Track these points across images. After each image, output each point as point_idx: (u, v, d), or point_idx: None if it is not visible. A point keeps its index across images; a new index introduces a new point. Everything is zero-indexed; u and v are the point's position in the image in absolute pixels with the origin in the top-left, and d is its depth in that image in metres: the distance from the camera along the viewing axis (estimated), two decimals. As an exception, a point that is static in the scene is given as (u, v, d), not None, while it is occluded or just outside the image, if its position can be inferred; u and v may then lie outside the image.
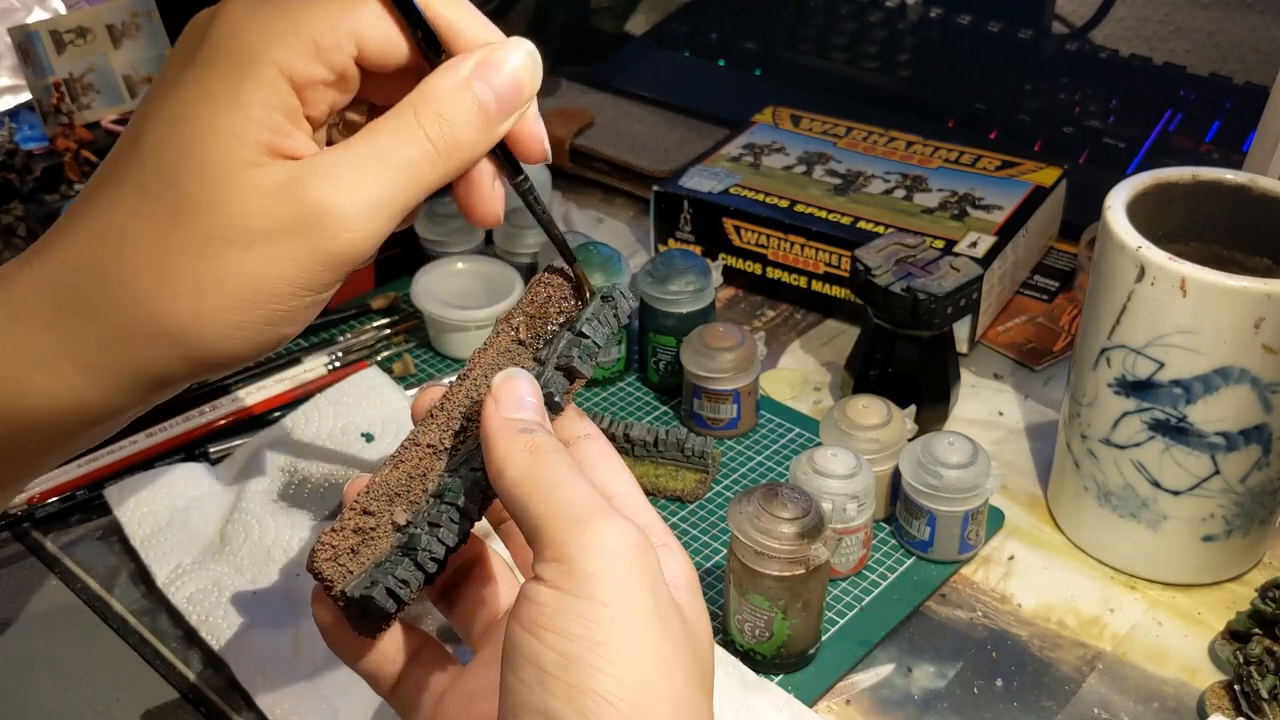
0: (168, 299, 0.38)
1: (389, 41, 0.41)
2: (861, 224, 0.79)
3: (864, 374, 0.71)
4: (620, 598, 0.35)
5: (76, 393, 0.40)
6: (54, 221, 0.42)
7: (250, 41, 0.39)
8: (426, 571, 0.40)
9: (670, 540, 0.41)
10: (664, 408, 0.74)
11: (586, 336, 0.43)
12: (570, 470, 0.38)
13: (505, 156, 0.42)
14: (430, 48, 0.41)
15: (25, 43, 0.89)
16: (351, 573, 0.40)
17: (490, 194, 0.43)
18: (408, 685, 0.44)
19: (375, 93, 0.43)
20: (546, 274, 0.45)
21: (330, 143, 0.42)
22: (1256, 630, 0.55)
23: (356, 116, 0.45)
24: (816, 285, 0.81)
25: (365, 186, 0.39)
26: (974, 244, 0.77)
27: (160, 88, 0.40)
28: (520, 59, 0.41)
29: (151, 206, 0.39)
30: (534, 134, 0.43)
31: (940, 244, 0.76)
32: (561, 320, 0.44)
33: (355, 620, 0.41)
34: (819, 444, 0.64)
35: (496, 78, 0.41)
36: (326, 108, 0.41)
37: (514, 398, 0.40)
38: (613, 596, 0.35)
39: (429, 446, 0.43)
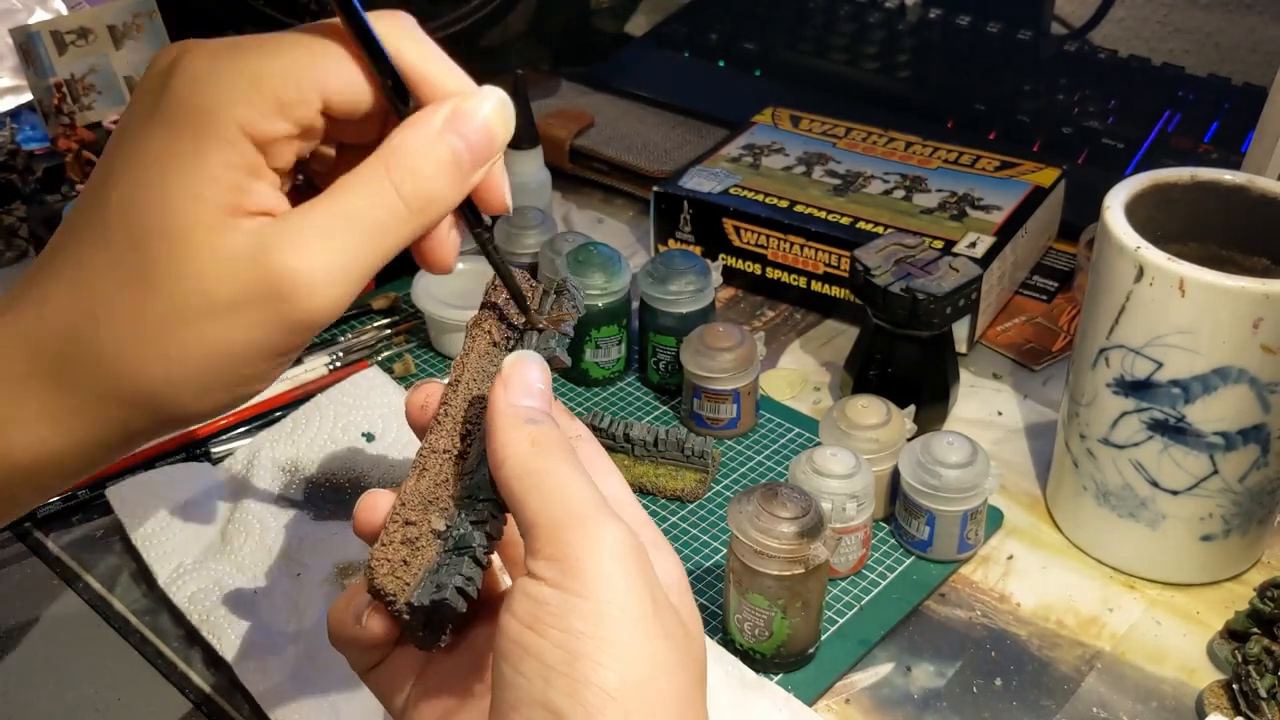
0: (139, 365, 0.39)
1: (356, 93, 0.40)
2: (861, 224, 0.79)
3: (863, 374, 0.71)
4: (623, 597, 0.35)
5: (50, 447, 0.40)
6: (56, 223, 0.42)
7: (211, 100, 0.38)
8: (484, 566, 0.40)
9: (660, 541, 0.41)
10: (664, 408, 0.74)
11: (550, 328, 0.44)
12: (572, 467, 0.38)
13: (467, 207, 0.42)
14: (399, 97, 0.40)
15: (27, 43, 0.89)
16: (408, 584, 0.40)
17: (445, 242, 0.42)
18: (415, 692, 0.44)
19: (344, 133, 0.42)
20: (489, 295, 0.46)
21: (303, 177, 0.42)
22: (1255, 630, 0.55)
23: (328, 150, 0.44)
24: (816, 285, 0.81)
25: (333, 252, 0.38)
26: (973, 244, 0.77)
27: (125, 139, 0.39)
28: (492, 108, 0.41)
29: (121, 271, 0.38)
30: (496, 184, 0.43)
31: (939, 244, 0.76)
32: (523, 321, 0.45)
33: (419, 630, 0.41)
34: (818, 444, 0.64)
35: (469, 129, 0.40)
36: (292, 156, 0.40)
37: (523, 382, 0.40)
38: (616, 596, 0.35)
39: (445, 452, 0.43)
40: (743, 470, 0.69)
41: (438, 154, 0.40)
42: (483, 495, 0.40)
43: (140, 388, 0.39)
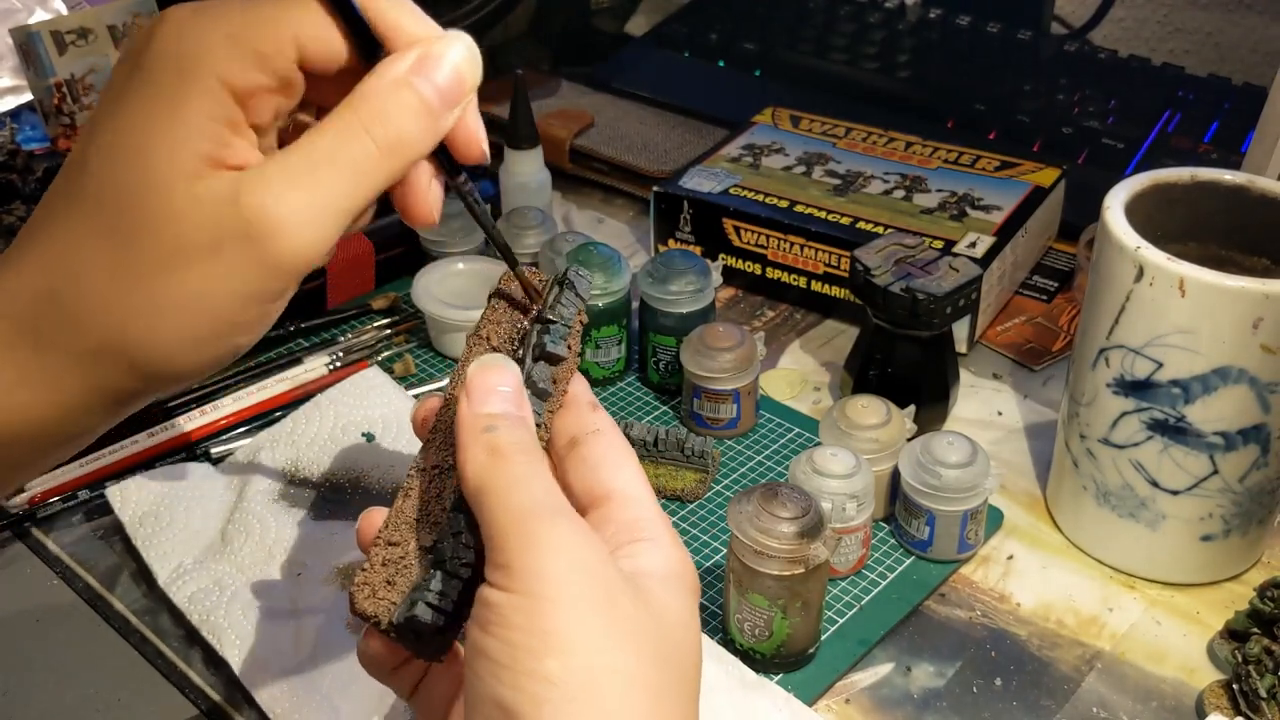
0: (120, 320, 0.39)
1: (331, 44, 0.40)
2: (861, 224, 0.79)
3: (863, 374, 0.71)
4: (561, 588, 0.36)
5: (37, 414, 0.40)
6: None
7: (190, 52, 0.39)
8: (461, 578, 0.40)
9: (659, 534, 0.41)
10: (664, 407, 0.74)
11: (553, 321, 0.44)
12: (526, 471, 0.39)
13: (443, 156, 0.42)
14: (367, 48, 0.40)
15: (27, 43, 0.89)
16: (394, 603, 0.40)
17: (427, 194, 0.42)
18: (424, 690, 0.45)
19: (323, 95, 0.42)
20: (502, 283, 0.46)
21: (282, 145, 0.42)
22: (1255, 630, 0.55)
23: (306, 118, 0.44)
24: (816, 285, 0.81)
25: (308, 192, 0.39)
26: (973, 244, 0.77)
27: (106, 100, 0.40)
28: (460, 53, 0.41)
29: (99, 227, 0.39)
30: (472, 133, 0.42)
31: (939, 244, 0.76)
32: (527, 320, 0.45)
33: (413, 646, 0.41)
34: (818, 444, 0.64)
35: (436, 72, 0.40)
36: (271, 113, 0.41)
37: (484, 389, 0.41)
38: (553, 588, 0.36)
39: (434, 468, 0.43)
40: (743, 470, 0.69)
41: (405, 98, 0.40)
42: (461, 508, 0.40)
43: (124, 343, 0.39)
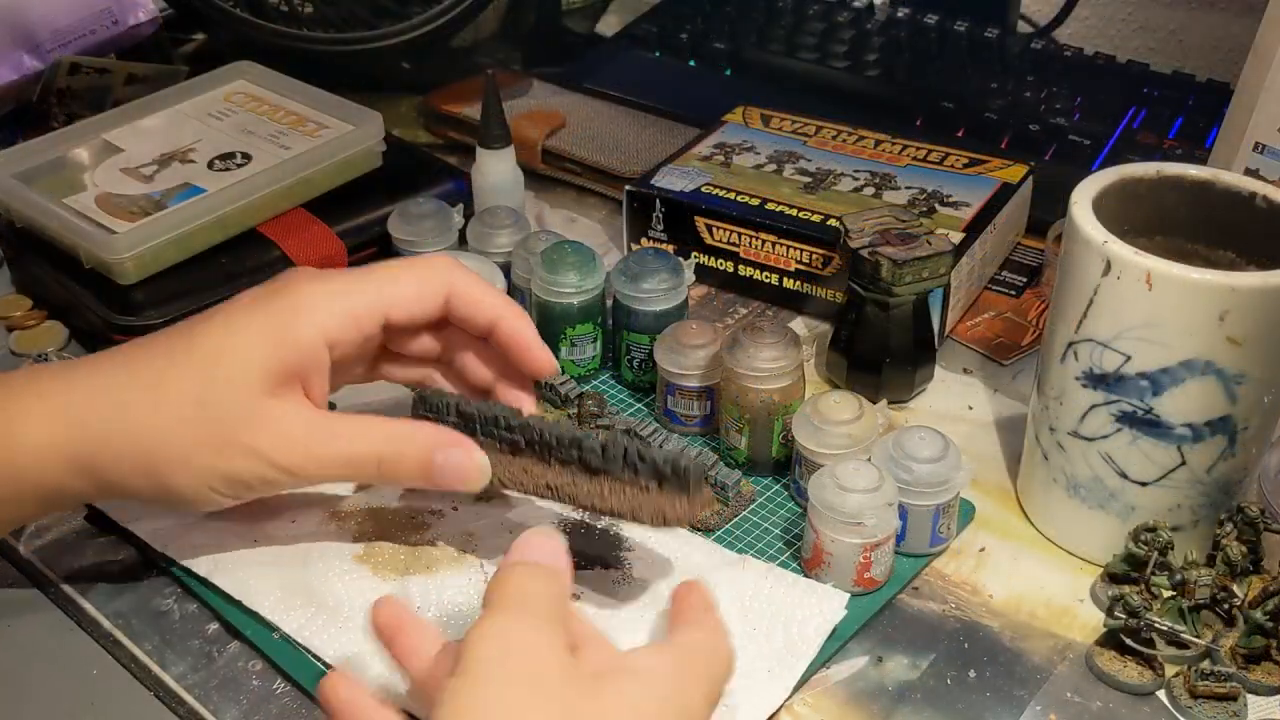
0: (162, 476, 0.54)
1: (412, 314, 0.58)
2: (831, 221, 0.80)
3: (837, 334, 0.74)
4: (482, 668, 0.41)
5: (68, 491, 0.55)
6: None
7: (305, 300, 0.55)
8: None
9: (703, 619, 0.48)
10: (638, 405, 0.75)
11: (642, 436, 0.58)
12: (521, 578, 0.45)
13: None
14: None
15: None
16: None
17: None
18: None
19: (399, 342, 0.61)
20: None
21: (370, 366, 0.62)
22: (1133, 572, 0.59)
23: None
24: (788, 283, 0.82)
25: (317, 454, 0.54)
26: (943, 241, 0.78)
27: (233, 306, 0.55)
28: (479, 467, 0.56)
29: (188, 387, 0.53)
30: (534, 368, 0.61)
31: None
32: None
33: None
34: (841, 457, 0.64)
35: (453, 459, 0.55)
36: (352, 352, 0.57)
37: (521, 548, 0.47)
38: (477, 668, 0.41)
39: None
40: (717, 467, 0.70)
41: (418, 455, 0.55)
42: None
43: (155, 490, 0.54)
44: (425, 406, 0.59)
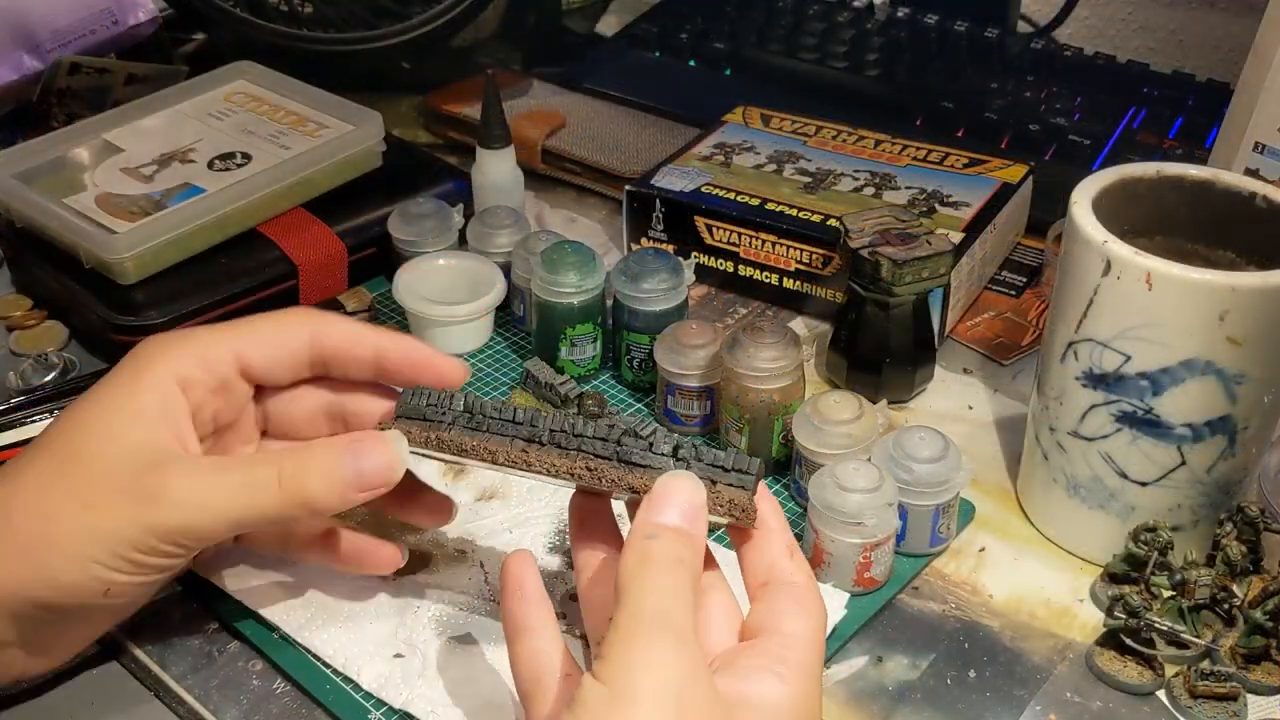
0: (43, 526, 0.49)
1: (271, 356, 0.54)
2: (831, 221, 0.80)
3: (837, 333, 0.74)
4: (641, 693, 0.40)
5: None
6: None
7: (151, 354, 0.52)
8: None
9: (790, 674, 0.45)
10: (638, 405, 0.75)
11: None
12: (666, 583, 0.44)
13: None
14: None
15: None
16: None
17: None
18: None
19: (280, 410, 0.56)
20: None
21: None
22: (1133, 572, 0.59)
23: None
24: (788, 283, 0.82)
25: (204, 488, 0.49)
26: (943, 240, 0.78)
27: (88, 392, 0.52)
28: (388, 455, 0.50)
29: (50, 464, 0.50)
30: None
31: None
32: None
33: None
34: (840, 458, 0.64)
35: (368, 460, 0.50)
36: (211, 412, 0.53)
37: (663, 499, 0.46)
38: (634, 691, 0.40)
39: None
40: (717, 467, 0.70)
41: (326, 463, 0.50)
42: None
43: (44, 546, 0.48)
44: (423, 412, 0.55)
